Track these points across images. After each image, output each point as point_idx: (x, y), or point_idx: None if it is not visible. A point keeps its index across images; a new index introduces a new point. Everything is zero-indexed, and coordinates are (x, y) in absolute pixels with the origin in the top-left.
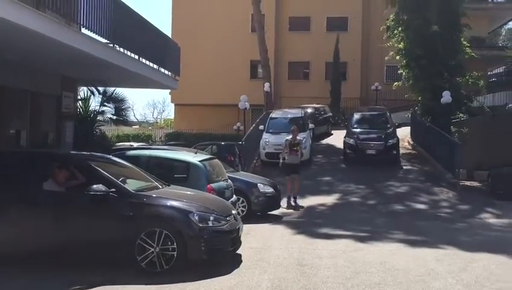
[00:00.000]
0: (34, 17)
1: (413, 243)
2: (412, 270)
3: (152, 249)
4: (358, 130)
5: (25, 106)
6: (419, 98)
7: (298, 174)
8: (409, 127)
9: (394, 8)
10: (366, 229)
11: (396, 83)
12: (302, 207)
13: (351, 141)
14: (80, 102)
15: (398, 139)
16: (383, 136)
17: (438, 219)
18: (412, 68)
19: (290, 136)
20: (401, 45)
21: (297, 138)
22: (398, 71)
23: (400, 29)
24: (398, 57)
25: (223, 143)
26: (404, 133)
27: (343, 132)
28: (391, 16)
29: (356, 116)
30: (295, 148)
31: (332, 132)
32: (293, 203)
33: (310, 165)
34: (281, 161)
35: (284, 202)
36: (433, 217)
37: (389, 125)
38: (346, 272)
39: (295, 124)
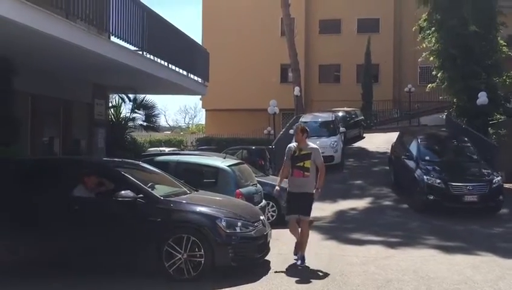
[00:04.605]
0: (64, 27)
1: (448, 249)
2: (447, 279)
3: (179, 256)
4: (439, 163)
5: (58, 113)
6: (455, 100)
7: (308, 215)
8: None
9: (427, 8)
10: (398, 235)
11: (430, 85)
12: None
13: (438, 181)
14: (111, 109)
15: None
16: (485, 176)
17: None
18: (446, 69)
19: (293, 144)
20: (434, 46)
21: (309, 145)
22: (432, 72)
23: (432, 29)
24: (431, 58)
25: (253, 147)
26: None
27: (375, 135)
28: (423, 16)
29: (423, 141)
30: (301, 163)
31: (365, 135)
32: (298, 263)
33: (341, 168)
34: (277, 186)
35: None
36: (470, 222)
37: (476, 157)
38: (377, 279)
39: (326, 128)
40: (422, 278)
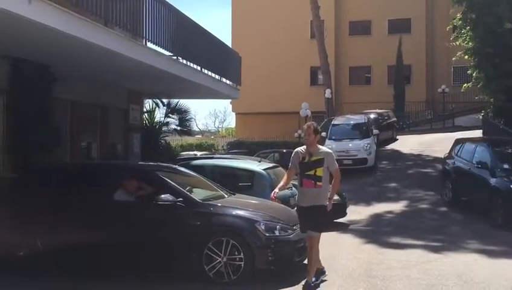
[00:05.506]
0: (104, 35)
1: (491, 254)
2: (493, 283)
3: (219, 259)
4: None
5: (95, 119)
6: (491, 100)
7: (318, 231)
8: (481, 130)
9: (461, 7)
10: (438, 239)
11: (465, 85)
12: None
13: None
14: (146, 114)
15: None
16: None
17: None
18: (482, 68)
19: (301, 148)
20: (469, 45)
21: (321, 149)
22: (468, 72)
23: (467, 28)
24: (466, 57)
25: (284, 151)
26: None
27: (409, 137)
28: (458, 15)
29: (495, 147)
30: (312, 172)
31: (398, 137)
32: (313, 280)
33: (375, 171)
34: (273, 193)
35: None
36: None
37: None
38: (420, 284)
39: (358, 131)
40: (466, 283)
